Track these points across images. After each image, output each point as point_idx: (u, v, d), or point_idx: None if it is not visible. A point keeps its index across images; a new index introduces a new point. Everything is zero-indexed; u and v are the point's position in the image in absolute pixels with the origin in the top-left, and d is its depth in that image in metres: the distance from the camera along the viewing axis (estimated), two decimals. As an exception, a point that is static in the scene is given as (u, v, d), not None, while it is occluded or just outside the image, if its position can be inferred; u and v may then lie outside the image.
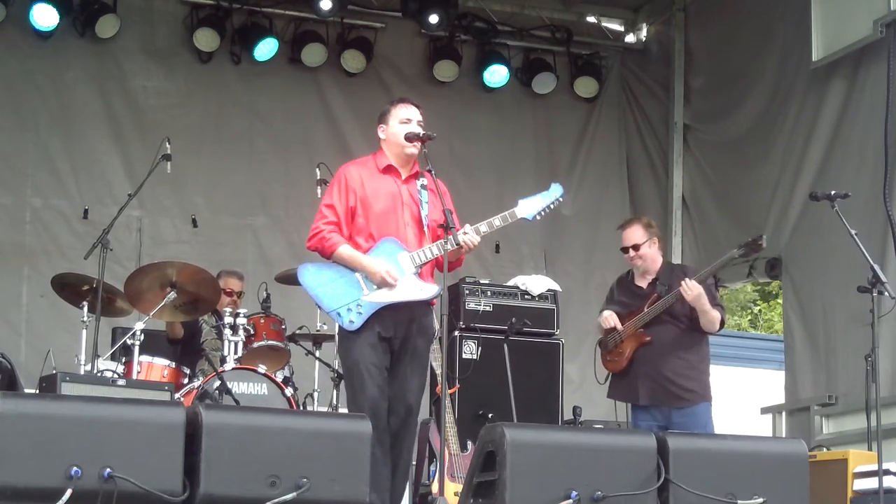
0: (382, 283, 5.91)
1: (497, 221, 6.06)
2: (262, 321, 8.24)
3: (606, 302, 7.52)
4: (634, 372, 7.20)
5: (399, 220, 6.02)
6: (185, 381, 7.94)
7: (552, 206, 6.22)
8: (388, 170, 6.11)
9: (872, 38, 8.76)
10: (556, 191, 6.24)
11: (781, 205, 9.76)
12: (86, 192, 10.00)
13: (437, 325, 6.20)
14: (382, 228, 6.00)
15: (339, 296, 5.93)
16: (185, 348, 8.30)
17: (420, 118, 6.13)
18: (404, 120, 6.10)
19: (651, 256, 7.31)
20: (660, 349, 7.16)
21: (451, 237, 5.84)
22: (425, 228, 6.04)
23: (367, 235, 6.00)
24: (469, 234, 5.92)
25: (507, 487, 5.00)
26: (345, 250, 5.97)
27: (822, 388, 9.19)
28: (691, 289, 6.97)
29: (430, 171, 6.01)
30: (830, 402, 9.08)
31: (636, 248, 7.29)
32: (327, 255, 6.02)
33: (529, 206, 6.17)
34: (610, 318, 7.24)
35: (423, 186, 6.09)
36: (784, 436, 9.46)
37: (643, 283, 7.34)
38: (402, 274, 5.94)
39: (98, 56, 10.20)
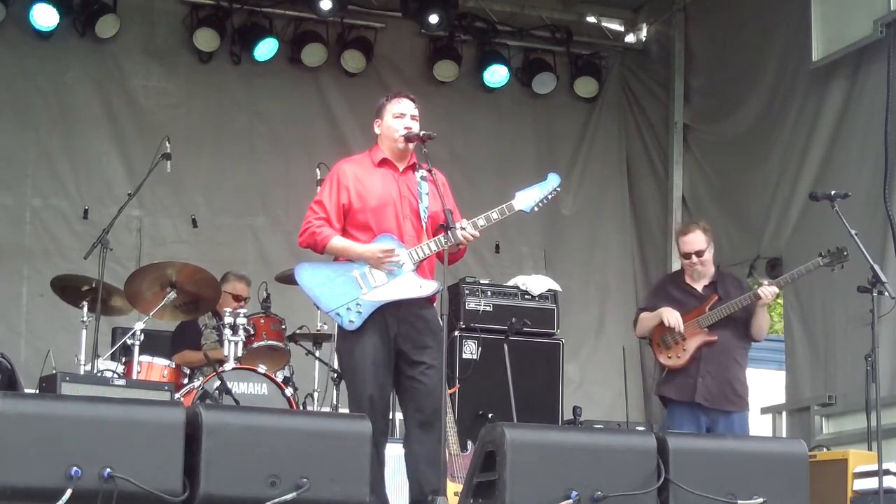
0: (380, 265, 5.87)
1: (494, 215, 6.04)
2: (262, 321, 8.23)
3: (655, 298, 7.56)
4: (696, 370, 7.27)
5: (397, 213, 5.99)
6: (185, 381, 7.94)
7: (550, 197, 6.17)
8: (384, 163, 6.09)
9: (872, 38, 8.75)
10: (553, 180, 6.18)
11: (782, 204, 9.75)
12: (86, 192, 10.00)
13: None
14: (381, 222, 5.97)
15: (337, 295, 5.91)
16: (187, 349, 8.28)
17: (415, 112, 6.10)
18: (398, 114, 6.07)
19: (710, 262, 7.48)
20: (722, 351, 7.31)
21: (450, 237, 5.82)
22: (424, 221, 6.02)
23: (365, 230, 5.97)
24: (467, 229, 5.90)
25: (507, 487, 5.01)
26: (337, 241, 5.95)
27: (821, 388, 9.18)
28: (772, 293, 7.19)
29: (430, 171, 6.00)
30: (830, 402, 9.08)
31: (699, 254, 7.41)
32: (319, 248, 5.99)
33: (527, 198, 6.12)
34: (677, 321, 7.25)
35: (422, 178, 6.07)
36: (784, 436, 9.46)
37: (698, 285, 7.45)
38: (401, 272, 5.93)
39: (98, 56, 10.20)
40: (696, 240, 7.42)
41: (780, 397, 10.02)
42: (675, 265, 11.04)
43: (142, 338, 7.70)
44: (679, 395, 7.32)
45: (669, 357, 7.33)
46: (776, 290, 7.26)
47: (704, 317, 7.28)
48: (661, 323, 7.33)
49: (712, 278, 7.47)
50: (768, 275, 10.07)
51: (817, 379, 9.27)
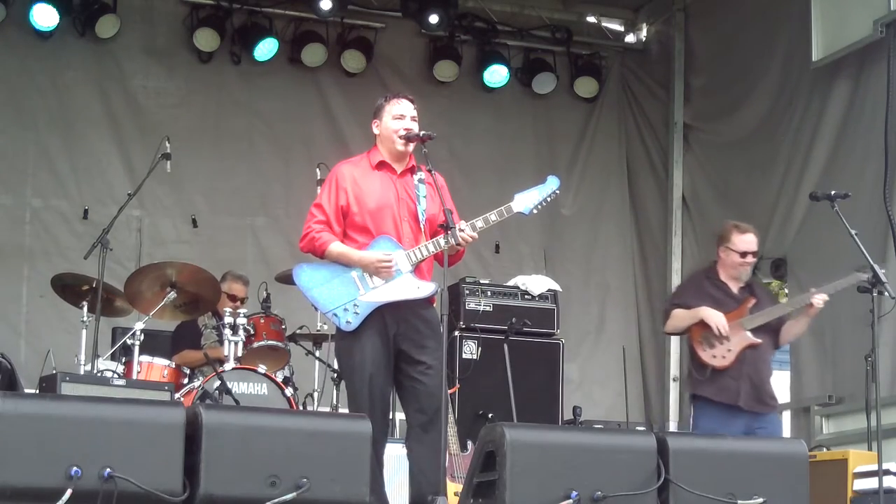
0: (377, 273, 5.88)
1: (493, 216, 6.03)
2: (262, 321, 8.24)
3: (689, 294, 7.40)
4: (738, 372, 7.16)
5: (395, 216, 5.98)
6: (185, 381, 7.94)
7: (549, 199, 6.16)
8: (382, 166, 6.07)
9: (872, 38, 8.75)
10: (552, 183, 6.17)
11: (786, 205, 9.73)
12: (86, 192, 10.00)
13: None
14: (379, 225, 5.96)
15: (335, 296, 5.90)
16: (187, 349, 8.28)
17: (414, 113, 6.08)
18: (398, 115, 6.05)
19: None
20: (761, 355, 7.23)
21: (450, 237, 5.81)
22: (422, 224, 6.01)
23: (363, 233, 5.97)
24: (465, 231, 5.90)
25: (507, 487, 5.01)
26: (336, 247, 5.94)
27: (827, 389, 9.16)
28: (823, 301, 7.11)
29: (430, 171, 5.99)
30: (830, 402, 9.07)
31: (755, 255, 7.36)
32: (319, 253, 5.99)
33: (526, 200, 6.11)
34: (723, 324, 7.13)
35: (420, 181, 6.06)
36: (787, 436, 9.45)
37: (733, 286, 7.34)
38: (399, 273, 5.92)
39: (98, 56, 10.20)
40: (755, 240, 7.35)
41: (781, 397, 10.00)
42: (676, 265, 11.09)
43: (142, 338, 7.71)
44: (720, 396, 7.16)
45: (714, 357, 7.16)
46: (826, 297, 7.12)
47: (748, 319, 7.16)
48: (701, 322, 7.19)
49: (746, 281, 7.39)
50: (773, 275, 10.07)
51: (823, 379, 9.25)
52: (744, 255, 7.29)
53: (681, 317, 7.29)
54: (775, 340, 7.35)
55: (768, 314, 7.20)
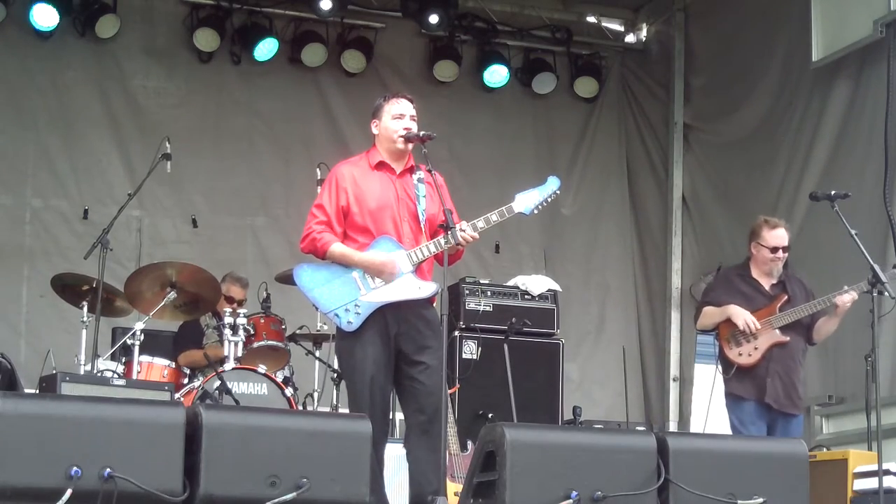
0: (380, 274, 5.88)
1: (494, 217, 6.02)
2: (262, 321, 8.24)
3: (719, 291, 7.40)
4: (766, 370, 7.15)
5: (395, 216, 5.98)
6: (185, 381, 7.94)
7: (550, 200, 6.16)
8: (381, 166, 6.06)
9: (872, 38, 8.76)
10: (552, 183, 6.17)
11: (787, 205, 9.72)
12: (86, 192, 10.00)
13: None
14: (379, 225, 5.95)
15: (336, 296, 5.90)
16: (191, 349, 8.28)
17: (413, 112, 6.08)
18: (397, 115, 6.05)
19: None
20: (790, 353, 7.21)
21: (450, 237, 5.81)
22: (422, 224, 6.01)
23: (364, 233, 5.96)
24: (466, 231, 5.89)
25: (507, 487, 5.01)
26: (337, 248, 5.94)
27: (828, 389, 9.15)
28: (851, 300, 7.02)
29: (429, 171, 5.99)
30: (831, 402, 9.07)
31: (785, 249, 7.32)
32: (320, 254, 5.98)
33: (526, 200, 6.11)
34: (750, 323, 7.12)
35: (419, 180, 6.05)
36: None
37: (765, 282, 7.33)
38: (400, 273, 5.92)
39: (98, 56, 10.21)
40: (785, 235, 7.34)
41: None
42: (676, 265, 11.09)
43: (142, 338, 7.72)
44: (749, 393, 7.17)
45: (740, 355, 7.16)
46: (855, 296, 7.04)
47: (777, 317, 7.15)
48: (729, 319, 7.19)
49: (780, 277, 7.35)
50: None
51: (825, 379, 9.24)
52: (774, 250, 7.29)
53: (710, 314, 7.32)
54: (809, 337, 7.33)
55: (797, 312, 7.16)
